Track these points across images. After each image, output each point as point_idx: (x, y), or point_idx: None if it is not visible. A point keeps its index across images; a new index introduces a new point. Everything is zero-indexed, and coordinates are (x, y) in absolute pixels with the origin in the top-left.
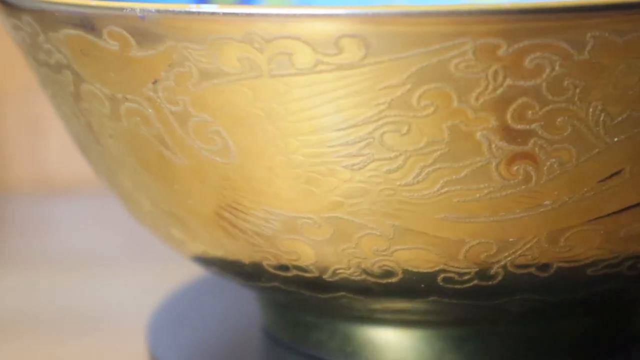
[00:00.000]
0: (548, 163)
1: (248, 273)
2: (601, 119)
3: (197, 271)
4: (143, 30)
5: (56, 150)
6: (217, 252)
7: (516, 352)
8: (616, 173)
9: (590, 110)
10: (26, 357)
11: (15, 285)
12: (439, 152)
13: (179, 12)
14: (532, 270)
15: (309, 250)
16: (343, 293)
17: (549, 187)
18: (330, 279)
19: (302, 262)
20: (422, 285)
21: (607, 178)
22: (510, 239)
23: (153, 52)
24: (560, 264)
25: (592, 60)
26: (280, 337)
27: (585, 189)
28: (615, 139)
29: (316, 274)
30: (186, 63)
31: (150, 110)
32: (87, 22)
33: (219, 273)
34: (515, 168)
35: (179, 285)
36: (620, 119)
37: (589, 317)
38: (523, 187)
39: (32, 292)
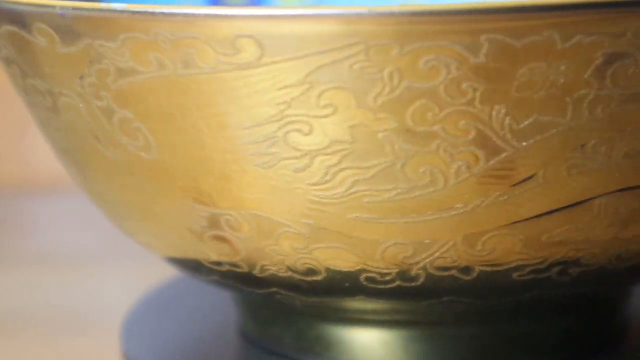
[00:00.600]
0: (455, 166)
1: (191, 267)
2: (506, 122)
3: (172, 271)
4: (65, 28)
5: (41, 149)
6: (160, 246)
7: (483, 353)
8: (529, 178)
9: (494, 113)
10: (2, 355)
11: None
12: (343, 153)
13: (91, 10)
14: (454, 273)
15: (238, 245)
16: (275, 289)
17: (458, 191)
18: (261, 275)
19: (232, 258)
20: (347, 284)
21: (519, 182)
22: (426, 241)
23: (75, 48)
24: (483, 268)
25: (490, 64)
26: (255, 336)
27: (498, 193)
28: (524, 143)
29: (246, 270)
30: (104, 60)
31: (81, 105)
32: (20, 19)
33: (177, 268)
34: (421, 170)
35: (154, 284)
36: (526, 123)
37: (565, 318)
38: (431, 189)
39: (10, 291)
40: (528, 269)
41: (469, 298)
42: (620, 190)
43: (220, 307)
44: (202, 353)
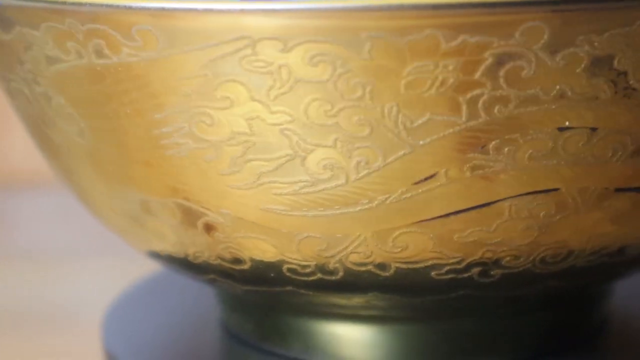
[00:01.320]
0: (354, 162)
1: (148, 255)
2: (400, 120)
3: (153, 266)
4: (2, 15)
5: (20, 145)
6: (123, 235)
7: (455, 349)
8: (430, 177)
9: (386, 111)
10: None
11: None
12: (247, 144)
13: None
14: (371, 268)
15: (169, 232)
16: (212, 276)
17: (361, 187)
18: (194, 262)
19: (166, 245)
20: (272, 275)
21: (421, 181)
22: (337, 235)
23: (11, 36)
24: (399, 265)
25: (376, 61)
26: (236, 330)
27: (401, 191)
28: (421, 142)
29: (182, 255)
30: (34, 47)
31: (26, 90)
32: None
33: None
34: (322, 165)
35: (135, 280)
36: (420, 121)
37: (542, 314)
38: (335, 184)
39: None
40: (446, 269)
41: (393, 294)
42: (531, 193)
43: (201, 301)
44: (183, 347)
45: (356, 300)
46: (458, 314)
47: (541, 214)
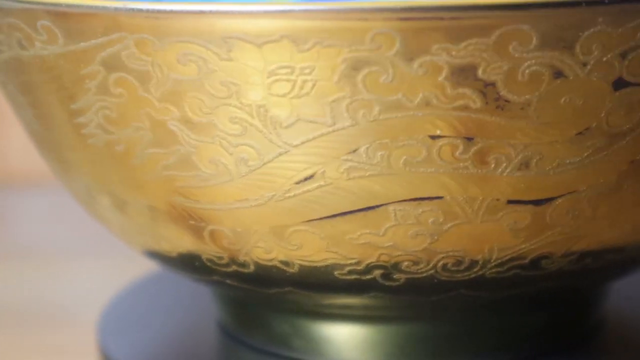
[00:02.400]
0: (234, 159)
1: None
2: (269, 121)
3: (150, 266)
4: None
5: (17, 144)
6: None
7: (454, 347)
8: (309, 177)
9: (254, 111)
10: None
11: None
12: (146, 138)
13: None
14: (277, 264)
15: (113, 222)
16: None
17: (246, 183)
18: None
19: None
20: (196, 264)
21: (301, 181)
22: (238, 229)
23: None
24: (301, 262)
25: (239, 62)
26: (232, 330)
27: (284, 190)
28: (294, 143)
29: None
30: None
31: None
32: None
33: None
34: (208, 160)
35: (131, 279)
36: (291, 123)
37: (539, 313)
38: (223, 180)
39: None
40: (347, 269)
41: (306, 291)
42: (414, 199)
43: (198, 301)
44: (179, 347)
45: (351, 300)
46: (454, 314)
47: (429, 221)
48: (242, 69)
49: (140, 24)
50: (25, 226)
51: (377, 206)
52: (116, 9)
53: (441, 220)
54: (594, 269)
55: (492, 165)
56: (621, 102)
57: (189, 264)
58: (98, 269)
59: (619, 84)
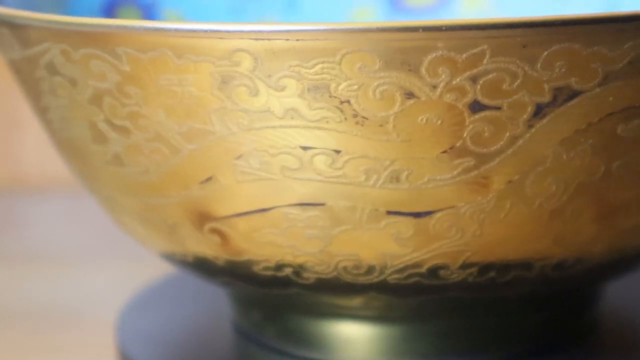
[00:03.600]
0: (148, 159)
1: None
2: (168, 126)
3: (166, 268)
4: None
5: (31, 148)
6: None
7: (453, 346)
8: (207, 179)
9: (155, 117)
10: None
11: None
12: (88, 136)
13: None
14: (208, 257)
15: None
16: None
17: (164, 179)
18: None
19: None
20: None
21: (202, 182)
22: (169, 222)
23: None
24: (226, 257)
25: (132, 72)
26: (248, 331)
27: (194, 188)
28: (190, 147)
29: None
30: None
31: None
32: None
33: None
34: (133, 158)
35: (148, 281)
36: (185, 129)
37: (535, 312)
38: (146, 177)
39: (5, 288)
40: (262, 265)
41: (246, 284)
42: (299, 204)
43: (214, 302)
44: (195, 347)
45: (356, 300)
46: (450, 314)
47: (319, 225)
48: (138, 79)
49: (60, 35)
50: (41, 230)
51: (270, 208)
52: (43, 22)
53: (329, 225)
54: (507, 283)
55: (363, 178)
56: (482, 124)
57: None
58: (113, 271)
59: (476, 106)
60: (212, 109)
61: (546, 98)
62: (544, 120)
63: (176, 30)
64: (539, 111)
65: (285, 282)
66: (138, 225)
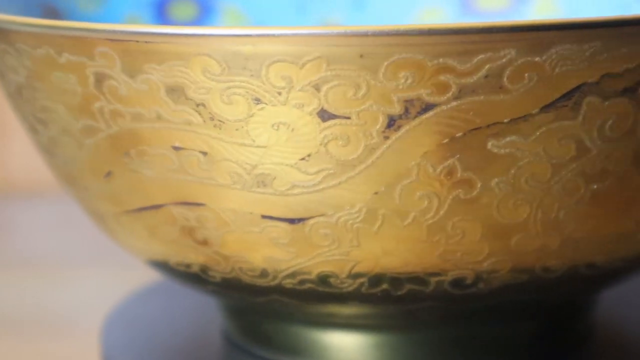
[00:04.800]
0: (64, 152)
1: None
2: (70, 122)
3: (152, 275)
4: None
5: (18, 154)
6: None
7: (452, 357)
8: (108, 173)
9: (60, 113)
10: None
11: None
12: (27, 129)
13: None
14: (138, 254)
15: None
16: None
17: (81, 173)
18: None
19: None
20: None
21: (106, 175)
22: (98, 213)
23: None
24: (147, 254)
25: (32, 67)
26: (237, 339)
27: (99, 182)
28: (89, 142)
29: None
30: None
31: None
32: None
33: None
34: (55, 151)
35: (134, 288)
36: (80, 126)
37: (529, 322)
38: (67, 168)
39: None
40: (173, 261)
41: (174, 279)
42: (182, 203)
43: (201, 310)
44: (182, 355)
45: (336, 309)
46: (443, 323)
47: (208, 225)
48: (40, 73)
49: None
50: (27, 235)
51: (161, 205)
52: None
53: (216, 225)
54: (407, 296)
55: (230, 180)
56: (335, 133)
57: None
58: (100, 277)
59: (325, 115)
60: (95, 106)
61: (397, 110)
62: (400, 133)
63: (52, 26)
64: (392, 123)
65: (200, 280)
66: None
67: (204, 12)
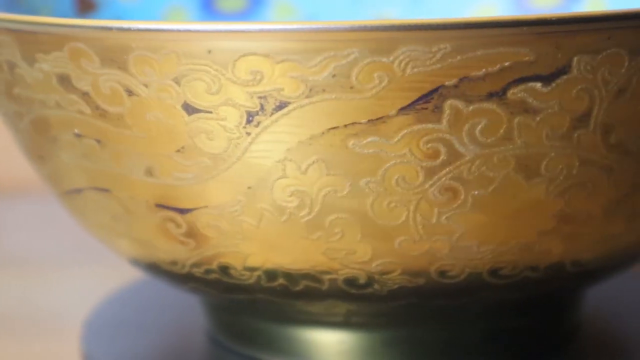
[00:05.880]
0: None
1: None
2: (7, 110)
3: (133, 275)
4: None
5: (1, 152)
6: None
7: (434, 354)
8: (40, 157)
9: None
10: None
11: None
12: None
13: None
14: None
15: None
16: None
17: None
18: None
19: None
20: None
21: (39, 158)
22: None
23: None
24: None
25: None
26: (220, 337)
27: (37, 163)
28: (20, 126)
29: None
30: None
31: None
32: None
33: None
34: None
35: (115, 288)
36: (12, 111)
37: (516, 319)
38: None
39: None
40: (107, 247)
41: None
42: (96, 188)
43: (184, 309)
44: (164, 355)
45: (318, 306)
46: (428, 321)
47: (118, 211)
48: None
49: None
50: (9, 234)
51: (80, 189)
52: None
53: (122, 212)
54: (310, 292)
55: (125, 168)
56: (200, 126)
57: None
58: (83, 276)
59: (189, 108)
60: (14, 92)
61: (253, 106)
62: (259, 129)
63: None
64: (251, 119)
65: (136, 267)
66: None
67: (253, 4)
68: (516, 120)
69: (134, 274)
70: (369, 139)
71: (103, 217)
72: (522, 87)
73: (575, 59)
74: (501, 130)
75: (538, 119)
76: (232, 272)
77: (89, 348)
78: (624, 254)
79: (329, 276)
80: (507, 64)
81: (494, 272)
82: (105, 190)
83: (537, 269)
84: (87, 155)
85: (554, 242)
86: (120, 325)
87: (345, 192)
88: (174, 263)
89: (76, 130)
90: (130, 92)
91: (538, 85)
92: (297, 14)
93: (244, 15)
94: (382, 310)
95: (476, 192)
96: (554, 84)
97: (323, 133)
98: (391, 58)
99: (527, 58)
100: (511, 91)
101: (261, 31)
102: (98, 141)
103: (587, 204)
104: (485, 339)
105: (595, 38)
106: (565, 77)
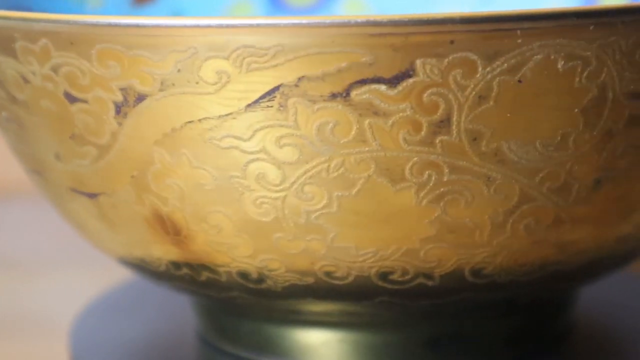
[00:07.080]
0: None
1: None
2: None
3: (122, 276)
4: None
5: None
6: None
7: (431, 354)
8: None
9: None
10: None
11: None
12: None
13: None
14: None
15: None
16: None
17: None
18: None
19: None
20: None
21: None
22: None
23: None
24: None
25: None
26: (210, 338)
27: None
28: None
29: None
30: None
31: None
32: None
33: None
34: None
35: (103, 289)
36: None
37: (509, 319)
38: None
39: None
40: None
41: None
42: (34, 171)
43: (173, 308)
44: (153, 355)
45: (297, 305)
46: (419, 321)
47: (50, 196)
48: None
49: None
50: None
51: (29, 170)
52: None
53: (53, 195)
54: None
55: (43, 153)
56: (81, 115)
57: None
58: (72, 277)
59: (69, 97)
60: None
61: (118, 97)
62: (128, 120)
63: None
64: (119, 110)
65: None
66: None
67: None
68: (366, 122)
69: (123, 275)
70: (224, 134)
71: (47, 198)
72: (365, 88)
73: (417, 62)
74: (352, 132)
75: (390, 122)
76: (147, 259)
77: (76, 349)
78: (537, 267)
79: (223, 269)
80: (344, 64)
81: (383, 276)
82: (38, 173)
83: (432, 277)
84: (18, 137)
85: (442, 251)
86: (108, 326)
87: (213, 185)
88: (110, 250)
89: (4, 114)
90: (25, 80)
91: (382, 87)
92: (367, 10)
93: (313, 10)
94: (357, 310)
95: (340, 194)
96: (400, 87)
97: (182, 127)
98: (226, 54)
99: (364, 59)
100: (354, 92)
101: (117, 25)
102: (20, 125)
103: (470, 213)
104: (477, 338)
105: (434, 42)
106: (411, 80)
